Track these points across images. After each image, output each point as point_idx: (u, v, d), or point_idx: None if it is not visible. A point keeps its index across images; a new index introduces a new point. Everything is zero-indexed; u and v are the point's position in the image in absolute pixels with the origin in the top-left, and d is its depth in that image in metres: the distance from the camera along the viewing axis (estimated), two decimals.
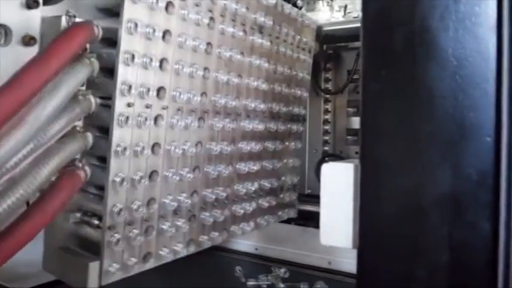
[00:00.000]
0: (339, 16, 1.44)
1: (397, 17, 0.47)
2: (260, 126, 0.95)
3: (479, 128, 0.42)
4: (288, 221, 1.54)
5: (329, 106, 1.53)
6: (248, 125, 0.91)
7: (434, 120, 0.44)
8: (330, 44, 1.46)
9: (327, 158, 1.50)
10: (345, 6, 1.43)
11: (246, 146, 0.92)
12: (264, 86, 0.95)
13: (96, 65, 0.60)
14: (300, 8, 1.49)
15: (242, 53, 0.87)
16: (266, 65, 0.95)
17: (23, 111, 0.50)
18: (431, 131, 0.44)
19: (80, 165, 0.60)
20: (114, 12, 0.68)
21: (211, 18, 0.78)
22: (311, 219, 1.46)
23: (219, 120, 0.83)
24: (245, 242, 1.56)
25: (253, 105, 0.92)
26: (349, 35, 1.44)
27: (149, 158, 0.69)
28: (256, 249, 1.54)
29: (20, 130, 0.50)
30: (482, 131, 0.42)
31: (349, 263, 1.30)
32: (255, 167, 0.94)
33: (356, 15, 1.39)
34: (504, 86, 0.41)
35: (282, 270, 1.22)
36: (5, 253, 0.50)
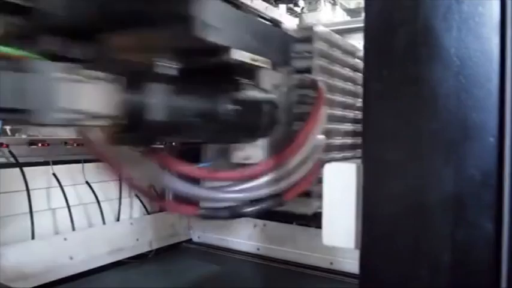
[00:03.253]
0: (341, 16, 1.44)
1: (400, 17, 0.47)
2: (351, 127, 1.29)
3: (483, 128, 0.42)
4: (290, 221, 1.54)
5: None
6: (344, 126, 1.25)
7: (437, 121, 0.44)
8: None
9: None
10: None
11: (347, 140, 1.26)
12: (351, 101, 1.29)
13: None
14: (302, 8, 1.49)
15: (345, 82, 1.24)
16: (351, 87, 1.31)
17: None
18: (434, 131, 0.44)
19: None
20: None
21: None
22: (313, 219, 1.45)
23: (338, 124, 1.18)
24: (247, 242, 1.56)
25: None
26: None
27: None
28: (258, 249, 1.55)
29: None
30: (486, 131, 0.42)
31: (351, 263, 1.30)
32: (349, 154, 1.26)
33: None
34: (507, 86, 0.41)
35: None
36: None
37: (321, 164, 0.86)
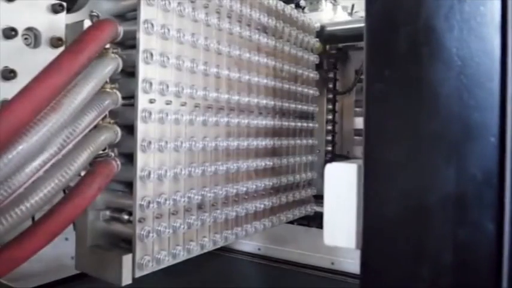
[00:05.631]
0: (342, 16, 1.44)
1: (402, 17, 0.47)
2: (272, 123, 1.01)
3: (484, 127, 0.42)
4: (291, 221, 1.54)
5: (333, 106, 1.52)
6: (261, 121, 0.96)
7: (438, 120, 0.44)
8: (333, 44, 1.46)
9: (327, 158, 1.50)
10: (352, 6, 1.42)
11: (261, 142, 0.96)
12: (272, 84, 0.99)
13: (120, 61, 0.64)
14: (303, 8, 1.49)
15: (250, 52, 0.91)
16: (272, 63, 1.00)
17: (57, 99, 0.54)
18: (435, 131, 0.44)
19: (113, 154, 0.65)
20: (128, 18, 0.73)
21: (219, 19, 0.83)
22: (314, 220, 1.46)
23: (234, 117, 0.87)
24: (248, 242, 1.56)
25: (264, 102, 0.96)
26: (353, 35, 1.44)
27: (172, 152, 0.72)
28: (259, 249, 1.55)
29: (54, 117, 0.53)
30: (487, 130, 0.42)
31: (352, 264, 1.30)
32: (270, 162, 0.99)
33: (362, 15, 1.39)
34: (509, 86, 0.41)
35: None
36: (50, 232, 0.56)
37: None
